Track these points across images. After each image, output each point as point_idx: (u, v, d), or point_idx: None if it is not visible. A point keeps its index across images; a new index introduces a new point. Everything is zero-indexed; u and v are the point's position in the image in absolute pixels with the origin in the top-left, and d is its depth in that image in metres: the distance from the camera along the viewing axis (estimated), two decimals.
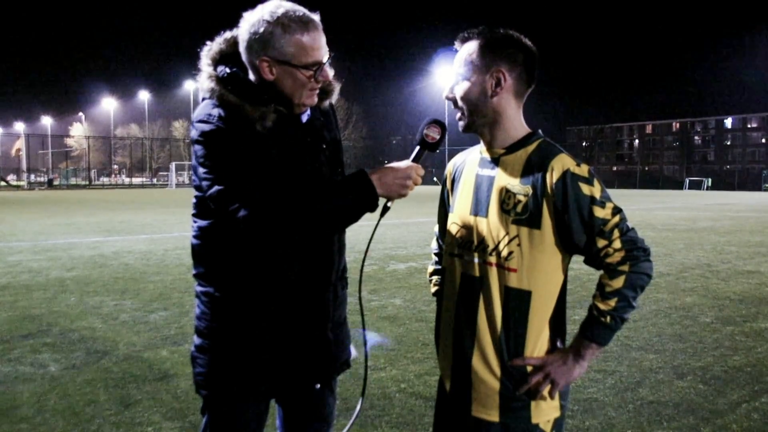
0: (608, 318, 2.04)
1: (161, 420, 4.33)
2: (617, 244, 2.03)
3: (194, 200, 2.32)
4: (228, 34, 2.32)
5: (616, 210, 2.05)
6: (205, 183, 2.18)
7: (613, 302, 2.04)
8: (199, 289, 2.36)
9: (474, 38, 2.16)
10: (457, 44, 2.20)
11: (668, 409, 4.55)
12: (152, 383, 5.04)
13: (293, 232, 2.13)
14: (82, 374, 5.24)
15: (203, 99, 2.27)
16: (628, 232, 2.04)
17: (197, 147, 2.19)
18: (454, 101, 2.19)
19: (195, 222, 2.35)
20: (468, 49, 2.16)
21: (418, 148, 2.24)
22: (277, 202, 2.08)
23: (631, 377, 5.23)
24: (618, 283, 2.03)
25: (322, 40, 2.21)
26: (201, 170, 2.18)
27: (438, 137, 2.23)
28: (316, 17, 2.20)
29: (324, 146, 2.36)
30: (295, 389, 2.41)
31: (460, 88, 2.17)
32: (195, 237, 2.35)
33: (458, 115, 2.20)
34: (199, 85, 2.28)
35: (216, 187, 2.13)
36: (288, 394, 2.47)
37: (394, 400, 4.68)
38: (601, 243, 2.03)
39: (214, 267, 2.31)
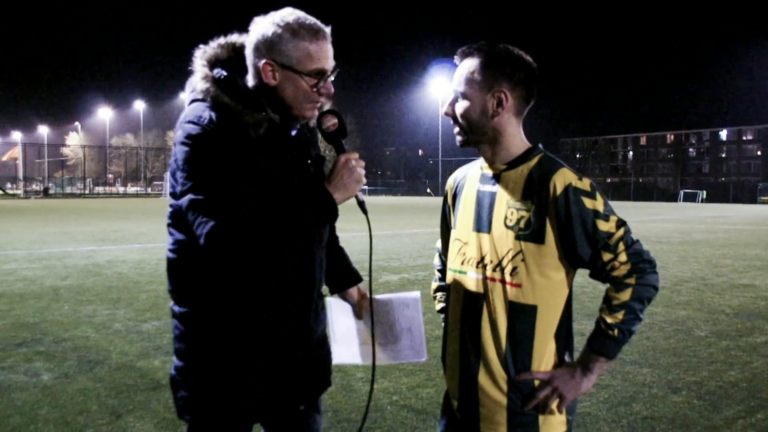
0: (616, 331, 2.03)
1: (153, 430, 4.30)
2: (623, 257, 2.01)
3: (170, 209, 2.19)
4: (223, 40, 2.27)
5: (620, 223, 2.04)
6: (180, 188, 2.07)
7: (620, 315, 2.02)
8: (176, 309, 2.23)
9: (475, 54, 2.13)
10: (456, 59, 2.17)
11: (662, 425, 4.53)
12: (144, 393, 5.01)
13: (253, 255, 2.04)
14: (74, 383, 5.21)
15: (193, 101, 2.16)
16: (633, 244, 2.03)
17: (180, 149, 2.06)
18: (454, 117, 2.17)
19: (171, 234, 2.21)
20: (468, 66, 2.12)
21: (333, 142, 2.21)
22: (241, 225, 1.98)
23: (625, 392, 5.21)
24: (625, 296, 2.02)
25: (330, 52, 2.17)
26: (179, 174, 2.07)
27: (336, 121, 2.19)
28: (326, 29, 2.16)
29: (309, 161, 2.29)
30: (279, 412, 2.31)
31: (460, 107, 2.14)
32: (171, 251, 2.22)
33: (456, 129, 2.18)
34: (191, 86, 2.19)
35: (190, 196, 2.02)
36: (273, 417, 2.36)
37: (386, 413, 4.65)
38: (607, 257, 2.02)
39: (192, 284, 2.18)
